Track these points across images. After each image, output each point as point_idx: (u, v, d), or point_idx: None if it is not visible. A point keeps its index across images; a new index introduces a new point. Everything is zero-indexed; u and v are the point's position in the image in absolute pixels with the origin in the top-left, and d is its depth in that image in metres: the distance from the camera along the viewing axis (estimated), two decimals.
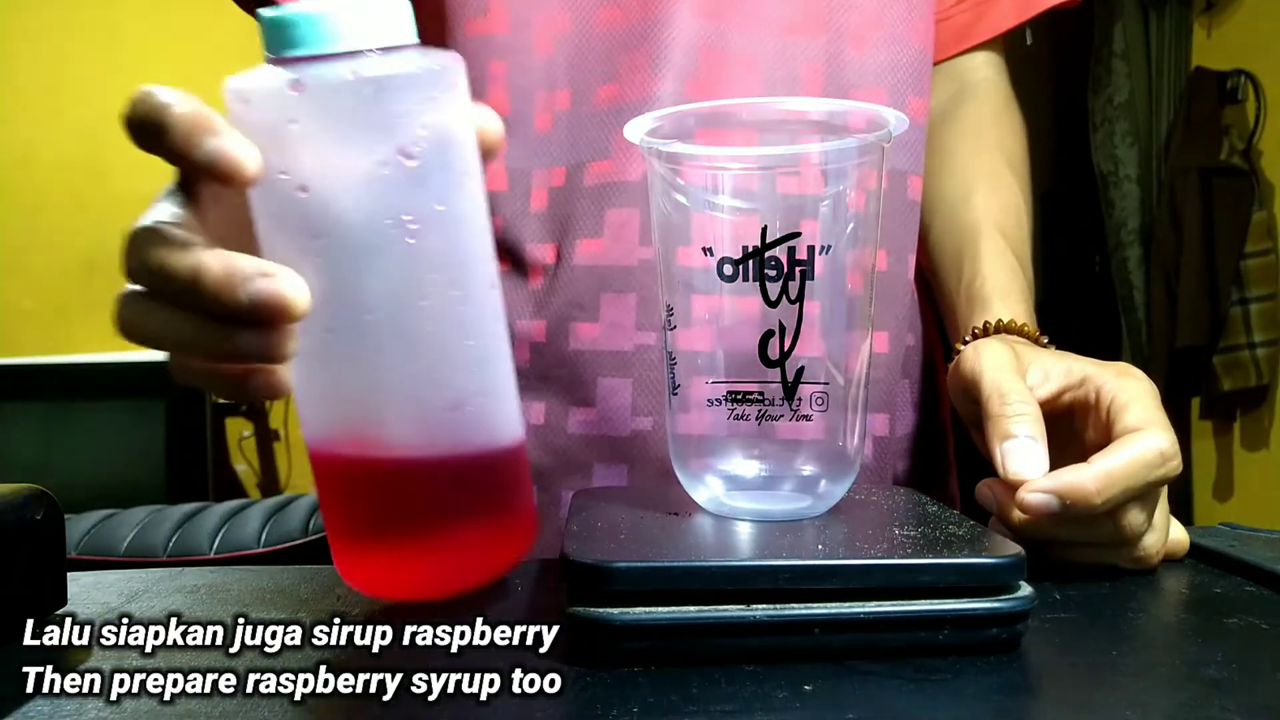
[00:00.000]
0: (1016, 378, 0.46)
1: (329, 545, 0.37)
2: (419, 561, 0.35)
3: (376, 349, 0.34)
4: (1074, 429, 0.46)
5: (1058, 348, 0.53)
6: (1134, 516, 0.42)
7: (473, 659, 0.34)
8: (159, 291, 0.33)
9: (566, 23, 0.60)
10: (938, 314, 0.69)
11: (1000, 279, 0.58)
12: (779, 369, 0.39)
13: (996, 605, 0.33)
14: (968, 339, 0.54)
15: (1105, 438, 0.43)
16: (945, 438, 0.69)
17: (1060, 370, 0.47)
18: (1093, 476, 0.40)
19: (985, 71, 0.70)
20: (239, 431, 2.54)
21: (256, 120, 0.33)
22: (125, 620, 0.38)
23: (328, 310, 0.33)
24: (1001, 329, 0.54)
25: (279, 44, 0.32)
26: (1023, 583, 0.34)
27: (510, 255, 0.61)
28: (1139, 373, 0.46)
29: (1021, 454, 0.42)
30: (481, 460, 0.36)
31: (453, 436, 0.35)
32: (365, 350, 0.34)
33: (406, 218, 0.33)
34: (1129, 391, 0.44)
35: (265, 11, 0.33)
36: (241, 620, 0.38)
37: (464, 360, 0.35)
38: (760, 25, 0.60)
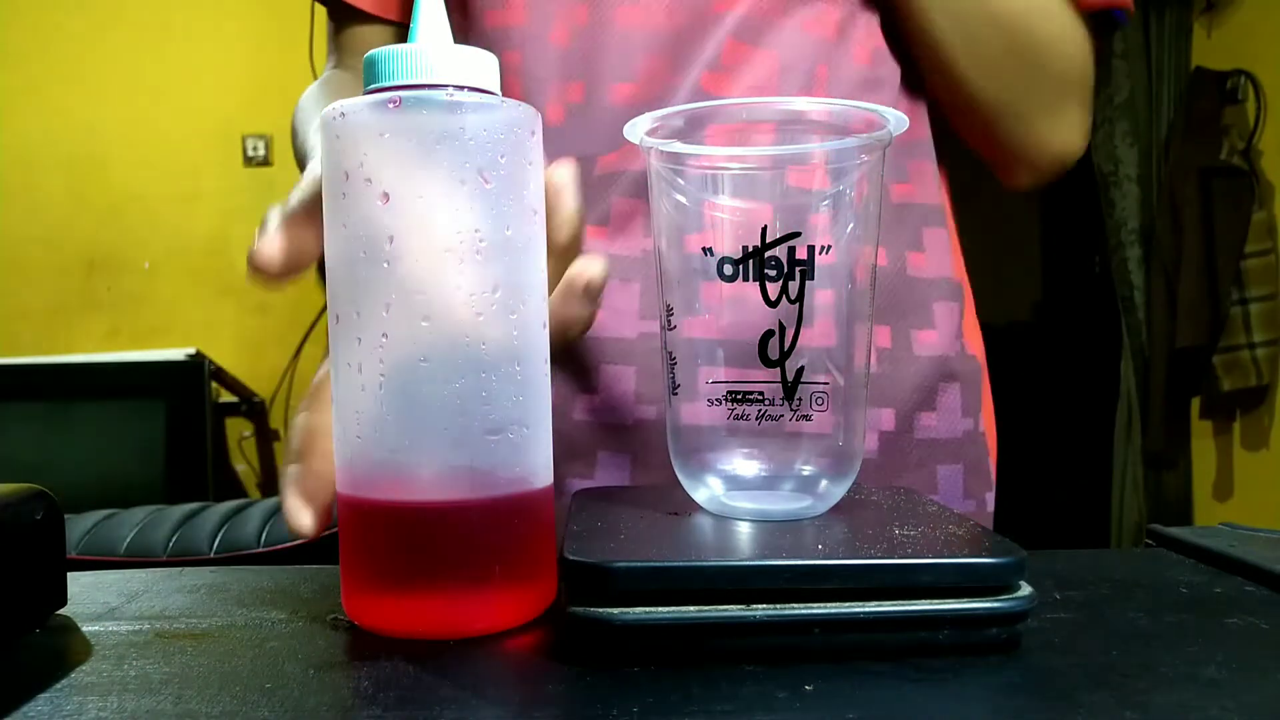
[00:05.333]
0: None
1: (341, 585, 0.37)
2: (439, 602, 0.35)
3: (428, 359, 0.35)
4: None
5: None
6: None
7: (473, 658, 0.34)
8: None
9: (584, 16, 0.60)
10: (983, 324, 0.68)
11: None
12: (779, 369, 0.39)
13: (996, 605, 0.33)
14: None
15: None
16: (983, 448, 0.66)
17: None
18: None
19: None
20: (239, 431, 2.54)
21: (349, 131, 0.35)
22: (124, 620, 0.39)
23: (387, 316, 0.34)
24: None
25: (380, 75, 0.35)
26: (1023, 583, 0.34)
27: None
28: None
29: None
30: (513, 498, 0.36)
31: (489, 462, 0.35)
32: (416, 359, 0.35)
33: (477, 232, 0.35)
34: None
35: (370, 53, 0.36)
36: (241, 620, 0.38)
37: (510, 385, 0.36)
38: (784, 22, 0.60)
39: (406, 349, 0.35)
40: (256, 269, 0.39)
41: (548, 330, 0.38)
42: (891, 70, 0.63)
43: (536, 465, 0.37)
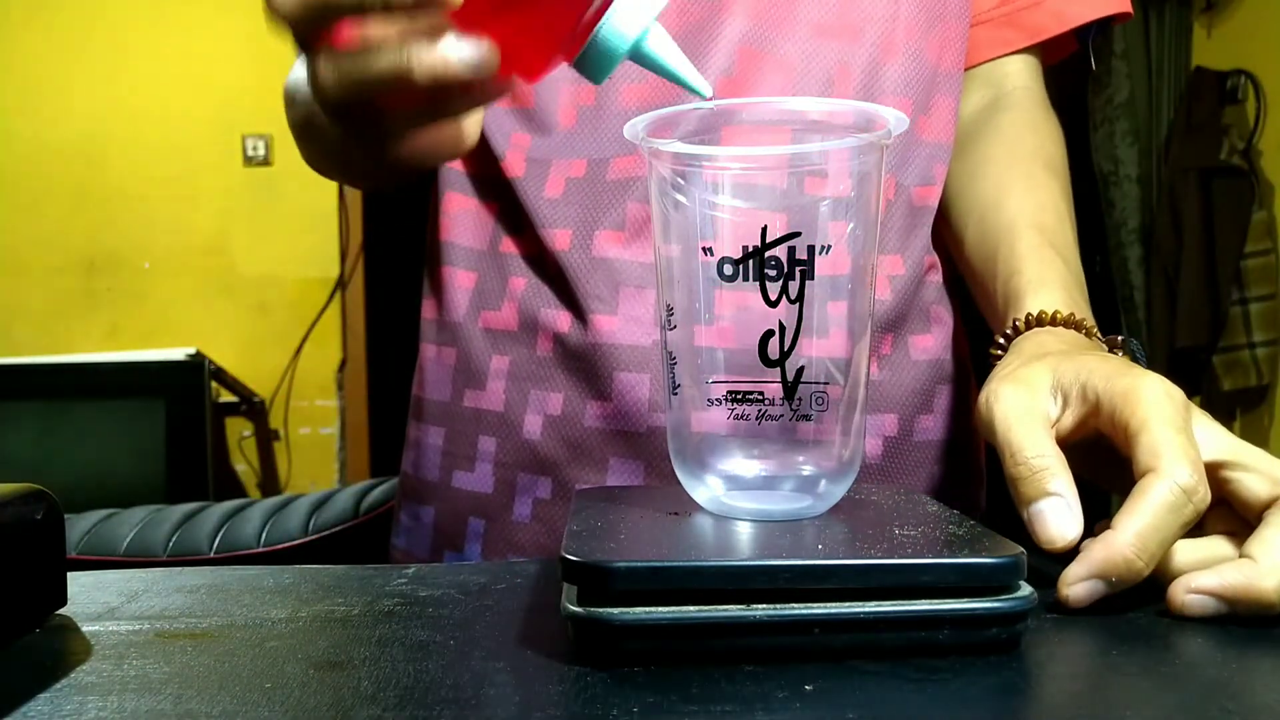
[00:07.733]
0: (1029, 423, 0.42)
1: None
2: None
3: None
4: (1114, 448, 0.43)
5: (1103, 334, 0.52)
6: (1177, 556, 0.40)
7: (473, 658, 0.34)
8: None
9: None
10: (967, 318, 0.68)
11: (1036, 270, 0.56)
12: (779, 369, 0.39)
13: (996, 605, 0.33)
14: (1001, 341, 0.53)
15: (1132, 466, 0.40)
16: (974, 446, 0.68)
17: (1076, 393, 0.43)
18: (1128, 544, 0.37)
19: (1021, 79, 0.69)
20: (239, 431, 2.54)
21: None
22: (124, 620, 0.39)
23: None
24: (1035, 323, 0.52)
25: None
26: (1023, 583, 0.34)
27: (529, 239, 0.63)
28: (1152, 383, 0.41)
29: (1050, 517, 0.40)
30: None
31: None
32: None
33: None
34: (1139, 416, 0.40)
35: None
36: (241, 620, 0.38)
37: None
38: (796, 27, 0.60)
39: None
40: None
41: None
42: (913, 74, 0.63)
43: None
